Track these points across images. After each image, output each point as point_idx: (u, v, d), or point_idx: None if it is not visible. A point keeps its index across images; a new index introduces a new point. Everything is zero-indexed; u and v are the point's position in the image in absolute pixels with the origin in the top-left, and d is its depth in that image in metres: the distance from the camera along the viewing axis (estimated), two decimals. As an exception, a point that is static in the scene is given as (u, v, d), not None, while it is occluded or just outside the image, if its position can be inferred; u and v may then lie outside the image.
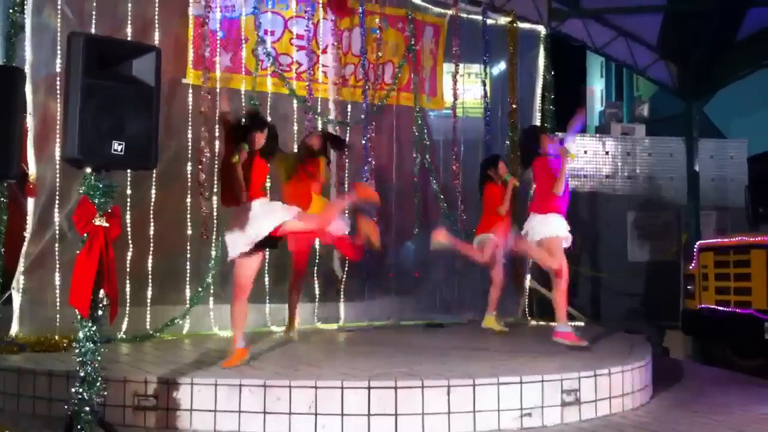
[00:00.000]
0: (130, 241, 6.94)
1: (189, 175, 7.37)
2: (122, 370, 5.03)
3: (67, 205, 6.56)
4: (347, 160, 8.45)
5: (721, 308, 8.33)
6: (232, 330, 5.56)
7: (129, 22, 7.04)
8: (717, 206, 13.18)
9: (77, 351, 3.81)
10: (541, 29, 10.10)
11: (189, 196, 7.34)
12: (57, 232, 6.60)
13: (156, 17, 7.21)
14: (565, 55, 14.17)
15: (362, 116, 8.54)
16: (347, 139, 8.45)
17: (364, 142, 8.52)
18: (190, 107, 7.43)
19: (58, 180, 6.60)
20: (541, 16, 10.18)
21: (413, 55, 8.91)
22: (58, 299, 6.52)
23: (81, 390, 3.77)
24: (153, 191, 7.13)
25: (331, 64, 8.40)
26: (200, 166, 7.34)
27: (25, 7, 6.50)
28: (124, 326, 6.88)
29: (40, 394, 5.01)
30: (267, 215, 5.34)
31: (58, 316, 6.47)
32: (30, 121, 6.43)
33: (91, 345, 3.79)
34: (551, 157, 6.42)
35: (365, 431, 4.53)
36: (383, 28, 8.76)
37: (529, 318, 9.37)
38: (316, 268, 7.88)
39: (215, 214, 7.38)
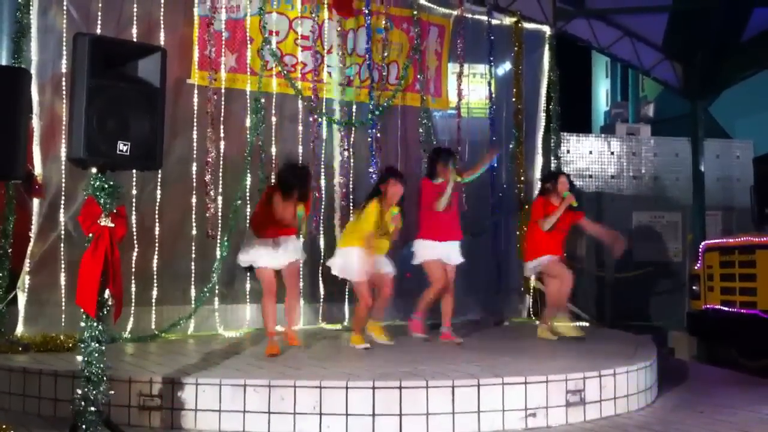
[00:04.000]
0: (135, 241, 6.96)
1: (194, 176, 7.38)
2: (127, 370, 5.04)
3: (72, 205, 6.59)
4: (352, 161, 8.44)
5: (726, 309, 8.32)
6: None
7: (134, 22, 7.06)
8: (722, 206, 13.16)
9: (82, 351, 3.82)
10: (546, 29, 10.07)
11: (194, 196, 7.35)
12: (62, 232, 6.63)
13: (161, 18, 7.23)
14: (571, 55, 14.15)
15: (368, 116, 8.53)
16: (352, 139, 8.44)
17: (369, 142, 8.52)
18: (195, 108, 7.44)
19: (63, 180, 6.63)
20: (546, 16, 10.16)
21: (419, 55, 8.90)
22: (63, 299, 6.54)
23: (86, 390, 3.78)
24: (158, 191, 7.14)
25: (336, 65, 8.40)
26: (207, 167, 7.35)
27: (31, 8, 6.52)
28: (129, 326, 6.89)
29: (46, 394, 5.02)
30: (278, 252, 6.11)
31: (63, 316, 6.50)
32: (36, 122, 6.45)
33: (96, 345, 3.80)
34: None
35: (370, 431, 4.54)
36: (388, 29, 8.73)
37: (533, 317, 9.35)
38: (320, 268, 7.87)
39: (220, 213, 7.40)
